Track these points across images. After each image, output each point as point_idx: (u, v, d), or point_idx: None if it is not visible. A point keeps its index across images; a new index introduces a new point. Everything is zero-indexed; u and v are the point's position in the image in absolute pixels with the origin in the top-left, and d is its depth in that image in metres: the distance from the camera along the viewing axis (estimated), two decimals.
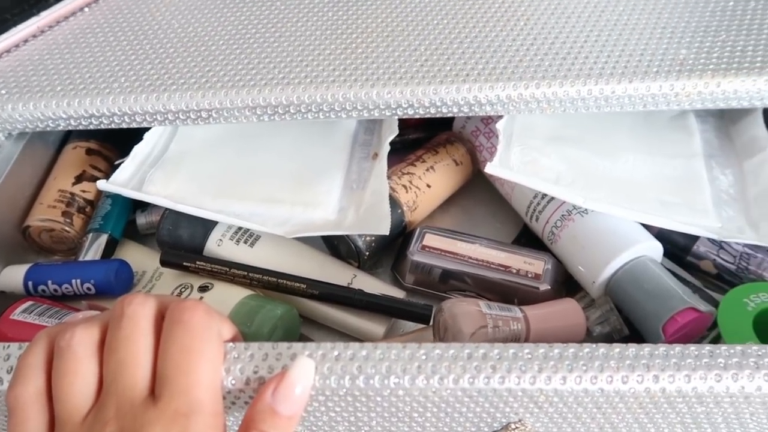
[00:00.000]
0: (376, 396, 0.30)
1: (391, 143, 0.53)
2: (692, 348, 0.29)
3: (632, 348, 0.29)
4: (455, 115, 0.40)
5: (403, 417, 0.33)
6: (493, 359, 0.30)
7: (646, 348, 0.29)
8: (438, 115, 0.40)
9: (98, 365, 0.28)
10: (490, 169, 0.40)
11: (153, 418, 0.26)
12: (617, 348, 0.29)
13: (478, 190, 0.51)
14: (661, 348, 0.29)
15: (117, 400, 0.27)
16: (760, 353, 0.29)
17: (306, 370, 0.29)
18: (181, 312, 0.28)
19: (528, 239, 0.47)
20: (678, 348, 0.29)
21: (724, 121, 0.49)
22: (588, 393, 0.29)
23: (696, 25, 0.43)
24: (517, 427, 0.33)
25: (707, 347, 0.29)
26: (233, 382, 0.30)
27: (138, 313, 0.28)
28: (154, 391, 0.27)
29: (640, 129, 0.46)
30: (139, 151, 0.46)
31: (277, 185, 0.44)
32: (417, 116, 0.40)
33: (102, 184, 0.43)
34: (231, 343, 0.31)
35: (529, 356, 0.29)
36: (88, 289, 0.41)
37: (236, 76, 0.41)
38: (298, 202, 0.43)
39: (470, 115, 0.40)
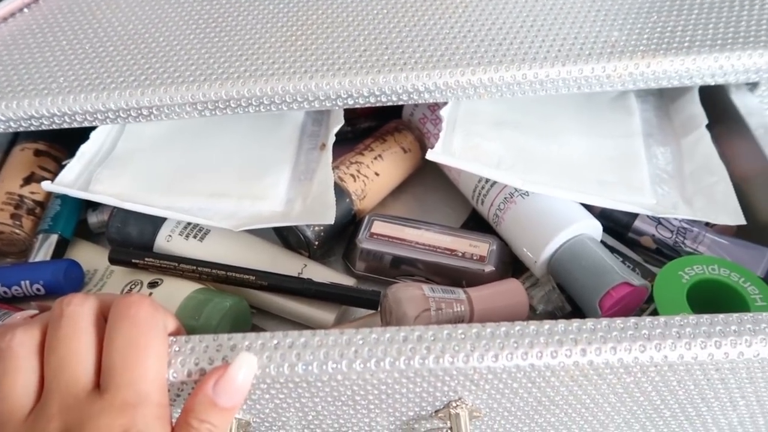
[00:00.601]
0: (316, 382, 0.31)
1: (343, 133, 0.53)
2: (618, 321, 0.30)
3: (561, 324, 0.30)
4: (395, 104, 0.41)
5: (346, 401, 0.33)
6: (427, 340, 0.30)
7: (575, 323, 0.30)
8: (378, 104, 0.41)
9: (39, 365, 0.28)
10: (431, 155, 0.40)
11: (99, 409, 0.26)
12: (546, 324, 0.30)
13: (429, 176, 0.52)
14: (589, 322, 0.30)
15: (60, 396, 0.27)
16: (681, 323, 0.30)
17: (246, 364, 0.29)
18: (127, 307, 0.29)
19: (476, 223, 0.47)
20: (605, 321, 0.30)
21: (664, 100, 0.50)
22: (520, 369, 0.30)
23: (629, 7, 0.44)
24: (457, 405, 0.34)
25: (632, 320, 0.30)
26: (175, 374, 0.30)
27: (77, 312, 0.29)
28: (99, 386, 0.27)
29: (582, 110, 0.47)
30: (86, 150, 0.46)
31: (225, 179, 0.44)
32: (357, 106, 0.41)
33: (47, 185, 0.42)
34: (172, 337, 0.31)
35: (462, 336, 0.30)
36: (38, 290, 0.41)
37: (176, 72, 0.41)
38: (245, 195, 0.43)
39: (410, 103, 0.41)
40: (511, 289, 0.39)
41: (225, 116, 0.41)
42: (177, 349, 0.31)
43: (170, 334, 0.31)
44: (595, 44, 0.41)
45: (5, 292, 0.41)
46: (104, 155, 0.47)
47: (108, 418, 0.26)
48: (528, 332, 0.30)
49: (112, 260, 0.42)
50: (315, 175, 0.45)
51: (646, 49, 0.40)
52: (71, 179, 0.44)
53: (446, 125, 0.43)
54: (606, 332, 0.30)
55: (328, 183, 0.42)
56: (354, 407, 0.34)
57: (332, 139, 0.45)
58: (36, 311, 0.35)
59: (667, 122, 0.48)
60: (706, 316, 0.30)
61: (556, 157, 0.43)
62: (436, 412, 0.35)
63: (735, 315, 0.30)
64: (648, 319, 0.30)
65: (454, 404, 0.34)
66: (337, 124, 0.46)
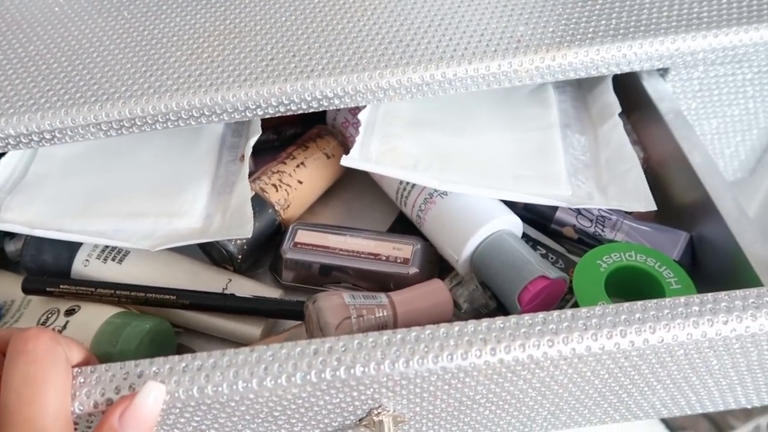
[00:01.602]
0: (229, 402, 0.30)
1: (269, 141, 0.52)
2: (526, 318, 0.30)
3: (471, 324, 0.30)
4: (305, 112, 0.40)
5: (266, 417, 0.33)
6: (338, 351, 0.30)
7: (484, 322, 0.30)
8: (289, 113, 0.40)
9: None
10: (346, 161, 0.40)
11: None
12: (456, 326, 0.30)
13: (356, 181, 0.51)
14: (498, 321, 0.30)
15: None
16: (588, 315, 0.30)
17: (154, 392, 0.28)
18: (24, 342, 0.28)
19: (403, 225, 0.47)
20: (513, 319, 0.30)
21: (581, 90, 0.51)
22: (432, 372, 0.30)
23: (534, 1, 0.44)
24: (379, 412, 0.34)
25: (540, 315, 0.31)
26: (81, 407, 0.29)
27: None
28: None
29: (500, 106, 0.48)
30: None
31: (142, 199, 0.43)
32: (267, 116, 0.40)
33: None
34: (77, 368, 0.30)
35: (373, 344, 0.30)
36: None
37: (77, 93, 0.40)
38: (162, 213, 0.42)
39: (320, 109, 0.40)
40: (435, 290, 0.39)
41: (127, 135, 0.40)
42: (82, 380, 0.30)
43: (78, 365, 0.30)
44: (501, 40, 0.41)
45: None
46: (15, 181, 0.45)
47: None
48: (438, 335, 0.30)
49: (26, 290, 0.40)
50: (234, 188, 0.44)
51: (551, 42, 0.41)
52: None
53: (364, 129, 0.43)
54: (514, 330, 0.30)
55: (246, 195, 0.42)
56: (275, 423, 0.34)
57: (250, 150, 0.44)
58: None
59: (584, 112, 0.49)
60: (611, 306, 0.31)
61: (473, 155, 0.43)
62: (359, 420, 0.34)
63: (639, 303, 0.31)
64: (556, 313, 0.31)
65: (375, 412, 0.33)
66: (255, 134, 0.45)
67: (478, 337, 0.30)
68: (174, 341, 0.41)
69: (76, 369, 0.30)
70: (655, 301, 0.31)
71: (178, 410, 0.30)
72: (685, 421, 1.06)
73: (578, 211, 0.43)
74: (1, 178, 0.45)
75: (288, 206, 0.46)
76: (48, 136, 0.39)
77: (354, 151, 0.41)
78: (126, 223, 0.42)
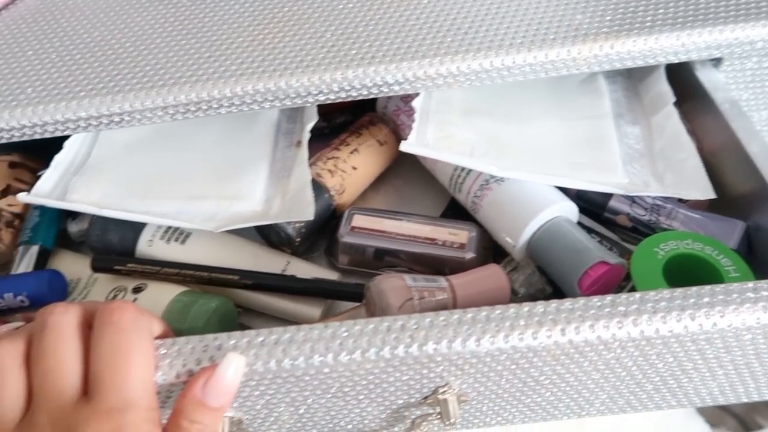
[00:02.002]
0: (304, 375, 0.31)
1: (319, 129, 0.53)
2: (595, 299, 0.31)
3: (540, 305, 0.31)
4: (366, 98, 0.41)
5: (336, 392, 0.34)
6: (410, 329, 0.31)
7: (553, 303, 0.31)
8: (349, 99, 0.41)
9: (26, 376, 0.28)
10: (405, 147, 0.41)
11: (87, 416, 0.27)
12: (526, 307, 0.31)
13: (406, 168, 0.52)
14: (567, 302, 0.31)
15: (48, 406, 0.27)
16: (656, 298, 0.31)
17: (234, 363, 0.29)
18: (110, 314, 0.29)
19: (455, 211, 0.48)
20: (582, 301, 0.31)
21: (632, 80, 0.51)
22: (502, 351, 0.30)
23: None
24: (445, 390, 0.34)
25: (608, 297, 0.31)
26: (163, 377, 0.30)
27: (60, 322, 0.29)
28: (86, 393, 0.27)
29: (552, 94, 0.48)
30: (60, 160, 0.45)
31: (203, 181, 0.44)
32: (328, 102, 0.41)
33: (24, 197, 0.42)
34: (158, 340, 0.31)
35: (444, 323, 0.31)
36: (22, 302, 0.41)
37: (145, 77, 0.41)
38: (223, 196, 0.43)
39: (381, 96, 0.41)
40: (492, 274, 0.40)
41: (197, 118, 0.41)
42: (164, 351, 0.31)
43: (157, 338, 0.31)
44: (559, 28, 0.41)
45: None
46: (79, 164, 0.46)
47: (96, 425, 0.26)
48: (508, 315, 0.31)
49: (96, 268, 0.41)
50: (292, 172, 0.45)
51: (609, 31, 0.41)
52: (48, 189, 0.44)
53: (419, 116, 0.43)
54: (584, 311, 0.30)
55: (306, 180, 0.43)
56: (344, 398, 0.34)
57: (307, 135, 0.45)
58: (22, 323, 0.35)
59: (636, 102, 0.49)
60: (679, 289, 0.31)
61: (528, 142, 0.43)
62: (424, 398, 0.35)
63: (707, 287, 0.31)
64: (624, 295, 0.31)
65: (441, 390, 0.34)
66: (311, 120, 0.46)
67: (548, 317, 0.30)
68: (236, 320, 0.42)
69: (157, 341, 0.31)
70: (723, 285, 0.31)
71: (254, 383, 0.31)
72: (713, 417, 1.06)
73: (632, 200, 0.43)
74: (66, 160, 0.46)
75: (343, 191, 0.47)
76: (117, 119, 0.40)
77: (412, 136, 0.41)
78: (189, 205, 0.43)
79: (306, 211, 0.41)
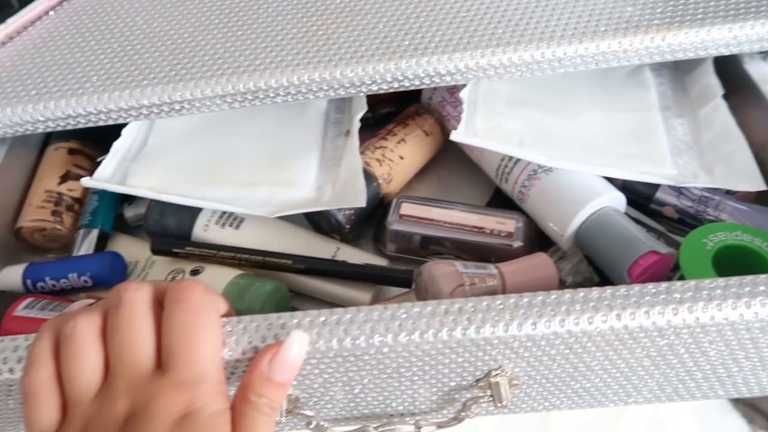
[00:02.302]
0: (363, 355, 0.32)
1: (364, 119, 0.54)
2: (650, 286, 0.31)
3: (595, 291, 0.31)
4: (417, 88, 0.42)
5: (392, 373, 0.35)
6: (468, 312, 0.32)
7: (608, 290, 0.31)
8: (401, 89, 0.42)
9: (102, 348, 0.29)
10: (456, 136, 0.41)
11: (161, 387, 0.28)
12: (581, 292, 0.31)
13: (450, 158, 0.53)
14: (622, 289, 0.31)
15: (125, 377, 0.28)
16: (712, 286, 0.31)
17: (299, 341, 0.30)
18: (181, 292, 0.30)
19: (500, 201, 0.48)
20: (637, 287, 0.31)
21: (679, 72, 0.51)
22: (558, 335, 0.31)
23: None
24: (497, 373, 0.35)
25: (664, 284, 0.31)
26: (230, 353, 0.31)
27: (134, 299, 0.30)
28: (160, 366, 0.29)
29: (598, 86, 0.48)
30: (118, 146, 0.47)
31: (256, 168, 0.46)
32: (381, 92, 0.42)
33: (87, 181, 0.44)
34: (224, 318, 0.32)
35: (501, 306, 0.31)
36: (85, 282, 0.42)
37: (204, 66, 0.42)
38: (276, 182, 0.44)
39: (431, 86, 0.42)
40: (541, 263, 0.40)
41: (248, 108, 0.42)
42: (230, 329, 0.32)
43: (222, 316, 0.33)
44: (610, 20, 0.42)
45: (54, 285, 0.42)
46: (137, 151, 0.48)
47: (170, 396, 0.28)
48: (564, 300, 0.31)
49: (155, 251, 0.43)
50: (342, 161, 0.46)
51: (660, 23, 0.41)
52: (108, 175, 0.45)
53: (467, 107, 0.44)
54: (639, 297, 0.31)
55: (357, 168, 0.44)
56: (398, 379, 0.35)
57: (357, 125, 0.46)
58: (91, 300, 0.37)
59: (682, 94, 0.49)
60: (734, 278, 0.31)
61: (576, 133, 0.44)
62: (476, 381, 0.36)
63: (763, 276, 0.31)
64: (679, 283, 0.31)
65: (494, 372, 0.35)
66: (361, 110, 0.47)
67: (603, 303, 0.31)
68: (289, 303, 0.43)
69: (223, 319, 0.32)
70: None
71: (315, 361, 0.32)
72: (745, 413, 1.05)
73: (680, 191, 0.44)
74: (123, 147, 0.47)
75: (390, 180, 0.48)
76: (177, 107, 0.42)
77: (461, 126, 0.42)
78: (243, 191, 0.44)
79: (357, 198, 0.42)
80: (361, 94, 0.43)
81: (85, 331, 0.29)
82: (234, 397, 0.30)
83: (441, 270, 0.38)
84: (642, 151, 0.43)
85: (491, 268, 0.40)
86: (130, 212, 0.49)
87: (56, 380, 0.29)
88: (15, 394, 0.33)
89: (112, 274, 0.42)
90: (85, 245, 0.45)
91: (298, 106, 0.50)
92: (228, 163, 0.46)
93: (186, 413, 0.27)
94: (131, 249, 0.46)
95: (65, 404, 0.29)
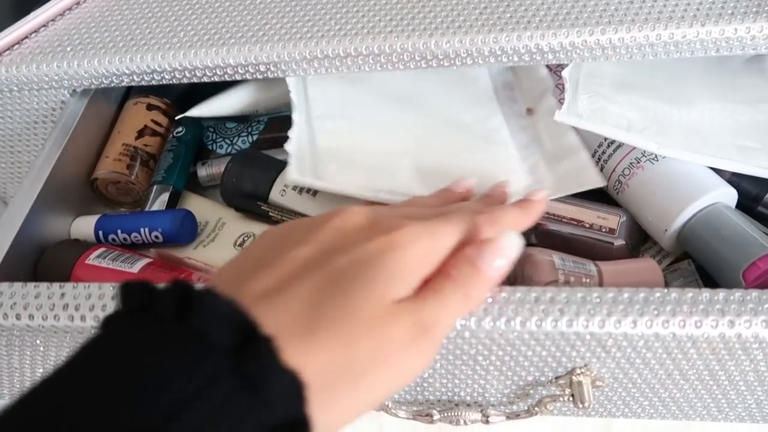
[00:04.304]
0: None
1: None
2: None
3: (706, 293, 0.29)
4: (516, 65, 0.40)
5: (467, 360, 0.33)
6: (560, 303, 0.30)
7: (721, 293, 0.29)
8: (498, 65, 0.40)
9: None
10: (559, 117, 0.39)
11: None
12: (690, 293, 0.29)
13: None
14: (737, 293, 0.29)
15: None
16: None
17: (512, 238, 0.28)
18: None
19: (586, 192, 0.46)
20: (755, 293, 0.29)
21: None
22: (659, 338, 0.29)
23: None
24: (582, 372, 0.33)
25: None
26: None
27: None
28: None
29: (712, 73, 0.45)
30: (290, 148, 0.42)
31: (456, 163, 0.43)
32: (477, 65, 0.40)
33: (293, 175, 0.40)
34: None
35: (598, 300, 0.30)
36: (156, 237, 0.42)
37: (293, 28, 0.42)
38: (487, 174, 0.42)
39: (532, 64, 0.40)
40: (648, 269, 0.37)
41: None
42: None
43: None
44: (738, 2, 0.38)
45: (125, 239, 0.43)
46: (309, 150, 0.44)
47: None
48: (670, 299, 0.29)
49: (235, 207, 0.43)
50: (544, 141, 0.44)
51: None
52: (298, 176, 0.41)
53: (569, 86, 0.41)
54: (757, 304, 0.29)
55: (576, 147, 0.42)
56: (473, 368, 0.34)
57: (551, 101, 0.45)
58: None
59: None
60: None
61: (687, 122, 0.41)
62: (556, 378, 0.34)
63: None
64: None
65: (578, 371, 0.33)
66: (543, 85, 0.46)
67: (715, 307, 0.29)
68: None
69: None
70: None
71: None
72: None
73: None
74: (294, 148, 0.42)
75: None
76: (263, 69, 0.42)
77: (564, 107, 0.40)
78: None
79: (588, 179, 0.40)
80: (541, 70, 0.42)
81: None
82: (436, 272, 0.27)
83: (535, 258, 0.36)
84: (765, 145, 0.40)
85: (591, 267, 0.37)
86: (203, 171, 0.49)
87: None
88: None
89: (183, 232, 0.42)
90: (158, 202, 0.46)
91: (459, 87, 0.48)
92: (420, 162, 0.43)
93: None
94: (201, 208, 0.46)
95: None
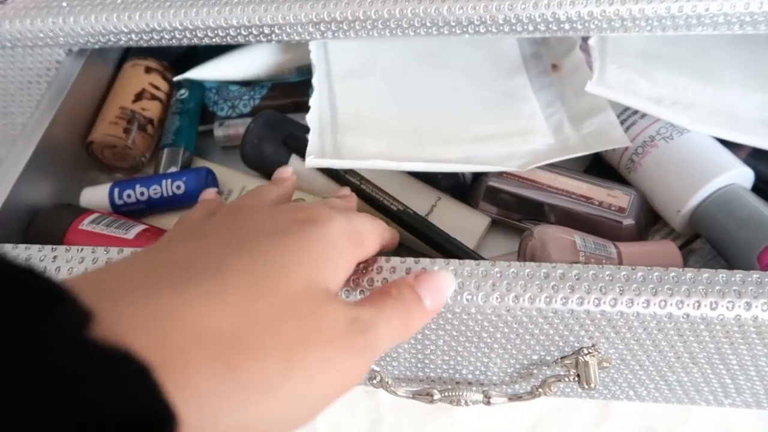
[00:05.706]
0: (446, 313, 0.30)
1: None
2: None
3: (723, 273, 0.28)
4: (532, 36, 0.39)
5: (471, 336, 0.33)
6: (571, 279, 0.29)
7: (738, 274, 0.28)
8: (512, 35, 0.39)
9: None
10: (591, 88, 0.38)
11: None
12: (705, 273, 0.29)
13: None
14: (755, 275, 0.28)
15: None
16: None
17: (449, 278, 0.28)
18: None
19: (594, 170, 0.45)
20: None
21: None
22: (672, 318, 0.28)
23: None
24: (589, 352, 0.33)
25: None
26: None
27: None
28: None
29: (739, 51, 0.43)
30: (311, 118, 0.41)
31: (478, 121, 0.43)
32: (490, 34, 0.39)
33: (310, 161, 0.38)
34: None
35: (610, 278, 0.29)
36: (178, 187, 0.42)
37: None
38: (511, 133, 0.42)
39: (548, 35, 0.38)
40: (668, 252, 0.36)
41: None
42: None
43: None
44: None
45: (142, 193, 0.42)
46: (331, 120, 0.43)
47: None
48: (684, 279, 0.28)
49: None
50: (567, 98, 0.43)
51: None
52: (320, 149, 0.40)
53: (597, 56, 0.40)
54: None
55: (602, 104, 0.41)
56: (477, 345, 0.33)
57: (579, 57, 0.44)
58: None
59: None
60: None
61: (719, 97, 0.40)
62: (562, 358, 0.34)
63: None
64: None
65: (585, 350, 0.32)
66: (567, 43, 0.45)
67: (731, 288, 0.28)
68: None
69: None
70: None
71: None
72: None
73: None
74: (315, 119, 0.41)
75: None
76: (267, 31, 0.40)
77: (595, 77, 0.39)
78: (477, 148, 0.41)
79: (616, 137, 0.39)
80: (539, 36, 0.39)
81: None
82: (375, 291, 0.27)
83: (556, 236, 0.35)
84: None
85: (611, 249, 0.36)
86: (220, 132, 0.48)
87: None
88: None
89: (208, 186, 0.42)
90: (172, 165, 0.45)
91: (482, 46, 0.47)
92: (443, 120, 0.43)
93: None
94: (222, 176, 0.45)
95: None
